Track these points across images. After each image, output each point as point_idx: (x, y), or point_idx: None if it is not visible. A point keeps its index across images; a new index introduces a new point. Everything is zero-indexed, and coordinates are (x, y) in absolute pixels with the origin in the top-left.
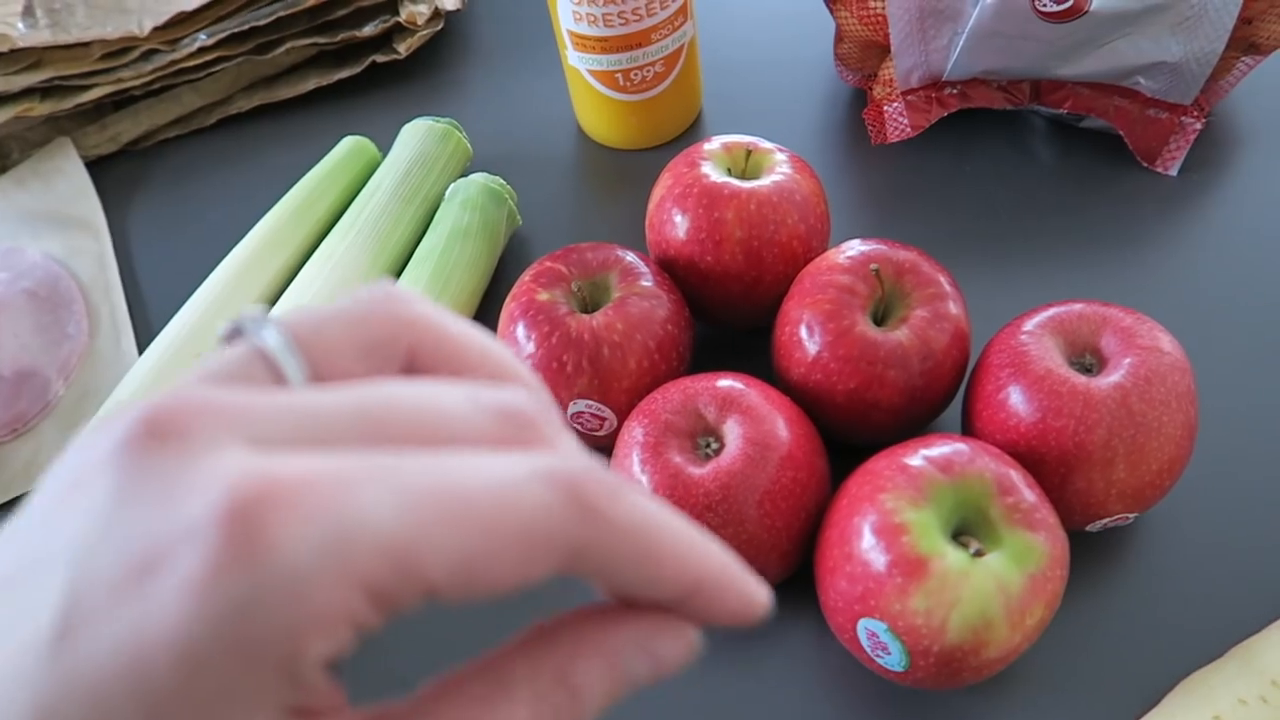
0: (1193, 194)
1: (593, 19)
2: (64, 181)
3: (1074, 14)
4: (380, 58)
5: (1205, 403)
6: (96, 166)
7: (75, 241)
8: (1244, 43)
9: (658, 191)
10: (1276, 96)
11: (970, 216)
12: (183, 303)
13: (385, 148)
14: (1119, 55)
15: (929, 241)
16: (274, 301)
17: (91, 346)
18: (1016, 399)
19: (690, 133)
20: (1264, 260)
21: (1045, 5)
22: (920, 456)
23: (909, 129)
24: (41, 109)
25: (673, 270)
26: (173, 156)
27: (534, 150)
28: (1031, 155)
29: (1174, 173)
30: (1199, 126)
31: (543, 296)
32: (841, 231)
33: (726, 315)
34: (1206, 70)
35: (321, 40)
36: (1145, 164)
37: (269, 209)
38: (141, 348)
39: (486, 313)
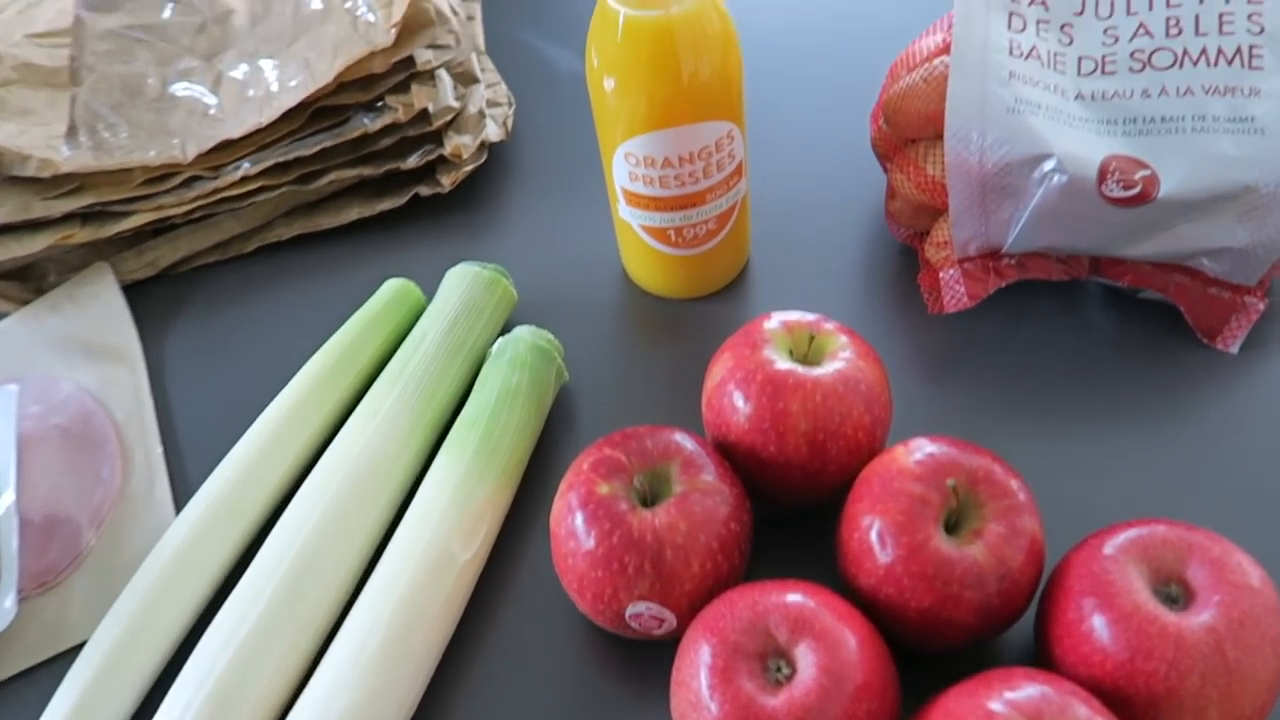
0: (1255, 372)
1: (649, 180)
2: (99, 308)
3: (1141, 200)
4: (424, 190)
5: None
6: (132, 290)
7: (109, 373)
8: None
9: (717, 371)
10: None
11: (1027, 389)
12: (219, 444)
13: (425, 281)
14: (1183, 239)
15: (986, 415)
16: (317, 457)
17: (124, 492)
18: (1102, 633)
19: (738, 282)
20: None
21: (1112, 190)
22: (1004, 702)
23: (966, 299)
24: (82, 235)
25: (732, 454)
26: (211, 282)
27: (579, 295)
28: (1087, 323)
29: (1235, 350)
30: (1262, 307)
31: (603, 490)
32: (896, 397)
33: (785, 499)
34: (1273, 256)
35: (366, 171)
36: (1206, 341)
37: (307, 341)
38: (176, 493)
39: (532, 478)
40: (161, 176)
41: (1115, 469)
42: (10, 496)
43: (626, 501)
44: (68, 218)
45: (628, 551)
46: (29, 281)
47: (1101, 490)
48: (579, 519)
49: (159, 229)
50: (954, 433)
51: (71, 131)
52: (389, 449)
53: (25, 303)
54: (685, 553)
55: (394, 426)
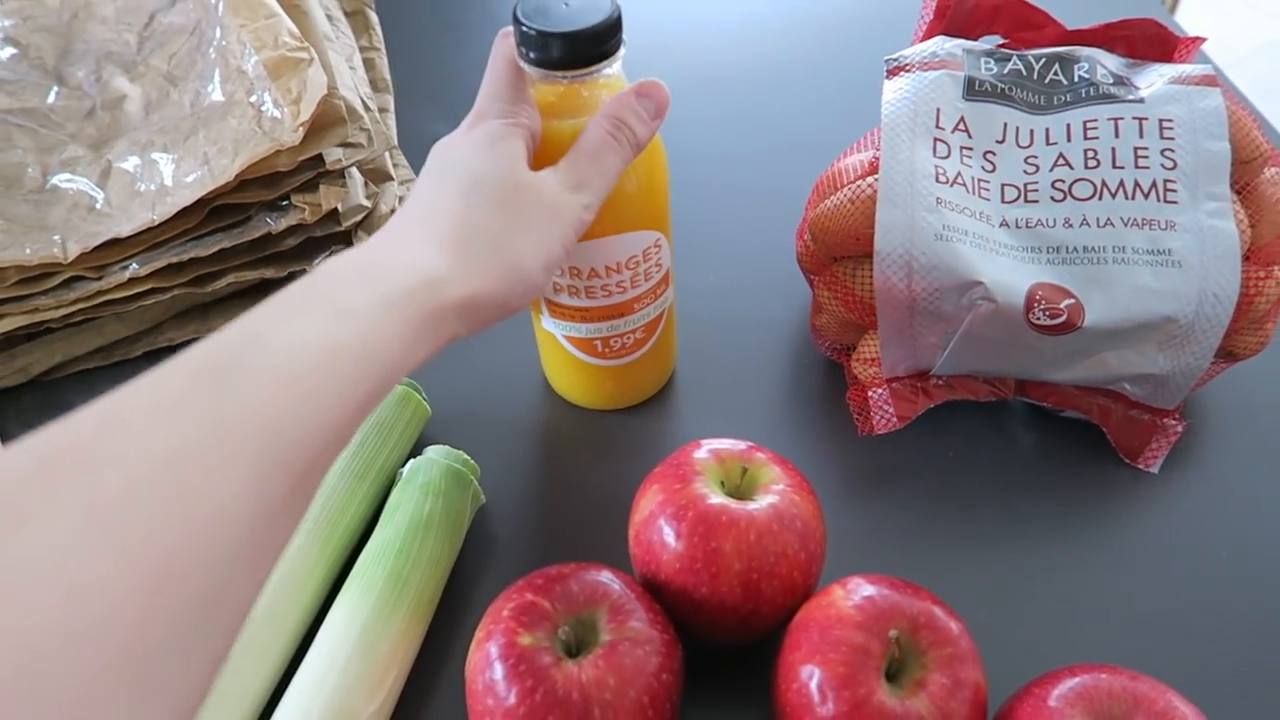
0: (1175, 491)
1: (574, 290)
2: None
3: (1067, 329)
4: None
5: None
6: (0, 397)
7: None
8: (1223, 351)
9: (645, 504)
10: (1245, 394)
11: (956, 509)
12: None
13: None
14: (1107, 365)
15: (916, 538)
16: None
17: None
18: None
19: (664, 393)
20: (1245, 560)
21: (1039, 319)
22: None
23: (895, 420)
24: None
25: (661, 593)
26: (93, 387)
27: (497, 408)
28: (1014, 441)
29: (1155, 470)
30: (1180, 429)
31: (525, 640)
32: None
33: (716, 638)
34: (1190, 381)
35: (269, 272)
36: (1128, 461)
37: None
38: None
39: (444, 614)
40: (38, 276)
41: (1045, 591)
42: None
43: (550, 654)
44: None
45: (551, 711)
46: None
47: (1034, 614)
48: (499, 673)
49: (32, 332)
50: (885, 558)
51: None
52: (287, 588)
53: None
54: (614, 710)
55: (293, 562)
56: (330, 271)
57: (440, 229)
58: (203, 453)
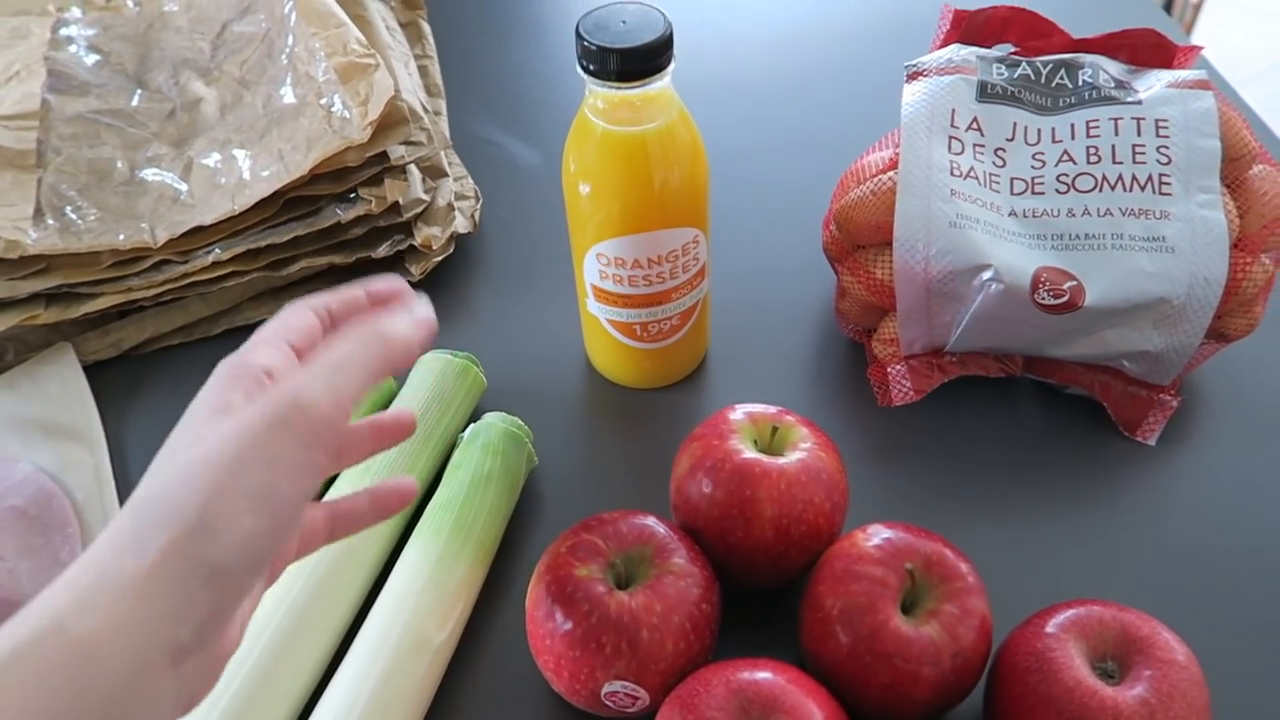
0: (1171, 462)
1: (618, 279)
2: (60, 388)
3: (1069, 308)
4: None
5: None
6: (93, 370)
7: (69, 454)
8: (1215, 332)
9: (686, 459)
10: (1237, 375)
11: (967, 474)
12: None
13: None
14: (1106, 343)
15: (931, 498)
16: None
17: None
18: (1047, 708)
19: (698, 373)
20: (1235, 529)
21: (1043, 299)
22: None
23: (912, 393)
24: (46, 316)
25: (700, 538)
26: (175, 363)
27: (545, 383)
28: (1021, 415)
29: (1153, 442)
30: (1174, 404)
31: (581, 572)
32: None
33: (750, 580)
34: (1184, 359)
35: (336, 259)
36: (1127, 433)
37: None
38: None
39: (503, 559)
40: (130, 260)
41: (1049, 550)
42: None
43: (603, 584)
44: (33, 298)
45: (605, 632)
46: None
47: (1037, 570)
48: (557, 601)
49: (124, 310)
50: (903, 515)
51: (38, 213)
52: (363, 534)
53: None
54: (660, 633)
55: None
56: None
57: None
58: None
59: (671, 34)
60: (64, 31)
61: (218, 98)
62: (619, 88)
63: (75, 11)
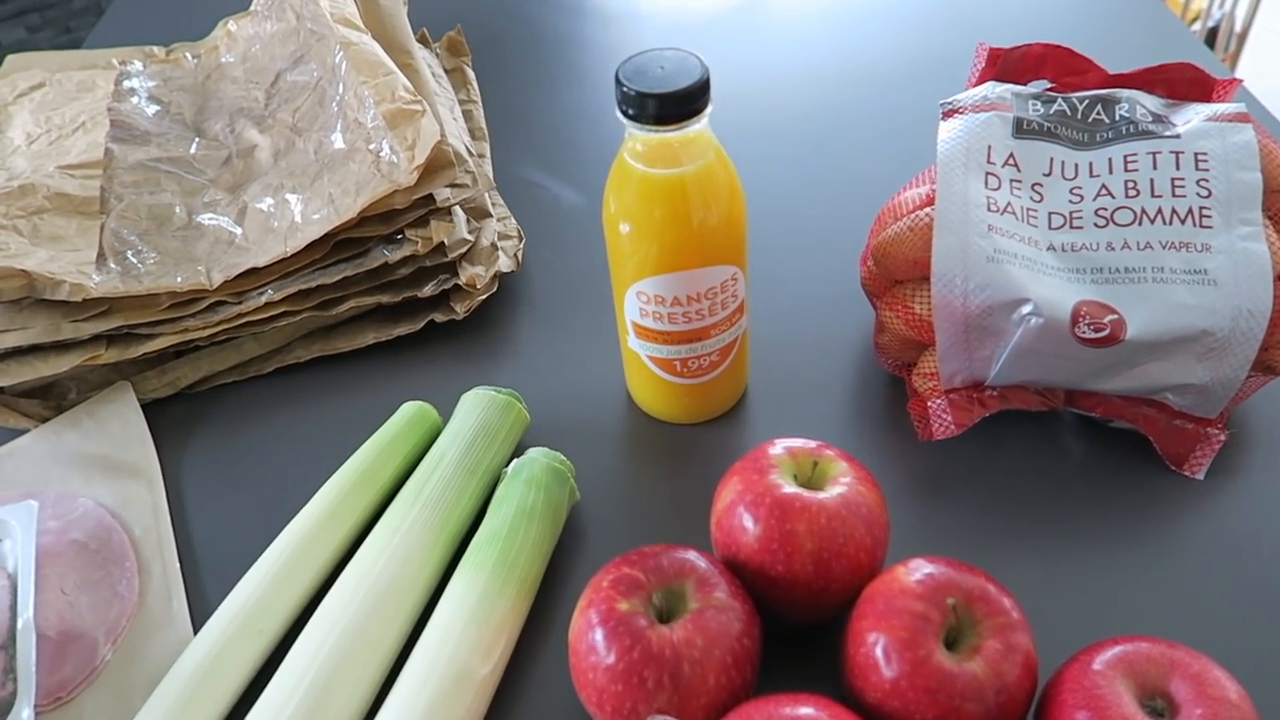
0: (1220, 498)
1: (658, 316)
2: (119, 425)
3: (1110, 341)
4: (439, 317)
5: None
6: (151, 408)
7: (128, 489)
8: (1261, 365)
9: (726, 494)
10: None
11: (1010, 510)
12: (236, 561)
13: (438, 402)
14: (1149, 376)
15: (973, 534)
16: (337, 572)
17: (141, 608)
18: None
19: (738, 409)
20: None
21: (1084, 332)
22: None
23: (953, 427)
24: (108, 356)
25: (741, 572)
26: (229, 401)
27: (587, 419)
28: (1063, 450)
29: (1201, 477)
30: (1223, 438)
31: (623, 606)
32: (891, 517)
33: (791, 615)
34: (1230, 391)
35: (384, 298)
36: (1174, 468)
37: (323, 459)
38: (193, 610)
39: (545, 593)
40: (187, 301)
41: (1094, 585)
42: (29, 610)
43: (645, 618)
44: (95, 339)
45: (647, 666)
46: (49, 399)
47: (1083, 606)
48: (599, 634)
49: (180, 350)
50: (945, 550)
51: (101, 258)
52: (410, 565)
53: (45, 419)
54: (702, 667)
55: (415, 542)
56: None
57: None
58: None
59: (708, 78)
60: (127, 84)
61: (271, 144)
62: (657, 131)
63: (137, 64)
